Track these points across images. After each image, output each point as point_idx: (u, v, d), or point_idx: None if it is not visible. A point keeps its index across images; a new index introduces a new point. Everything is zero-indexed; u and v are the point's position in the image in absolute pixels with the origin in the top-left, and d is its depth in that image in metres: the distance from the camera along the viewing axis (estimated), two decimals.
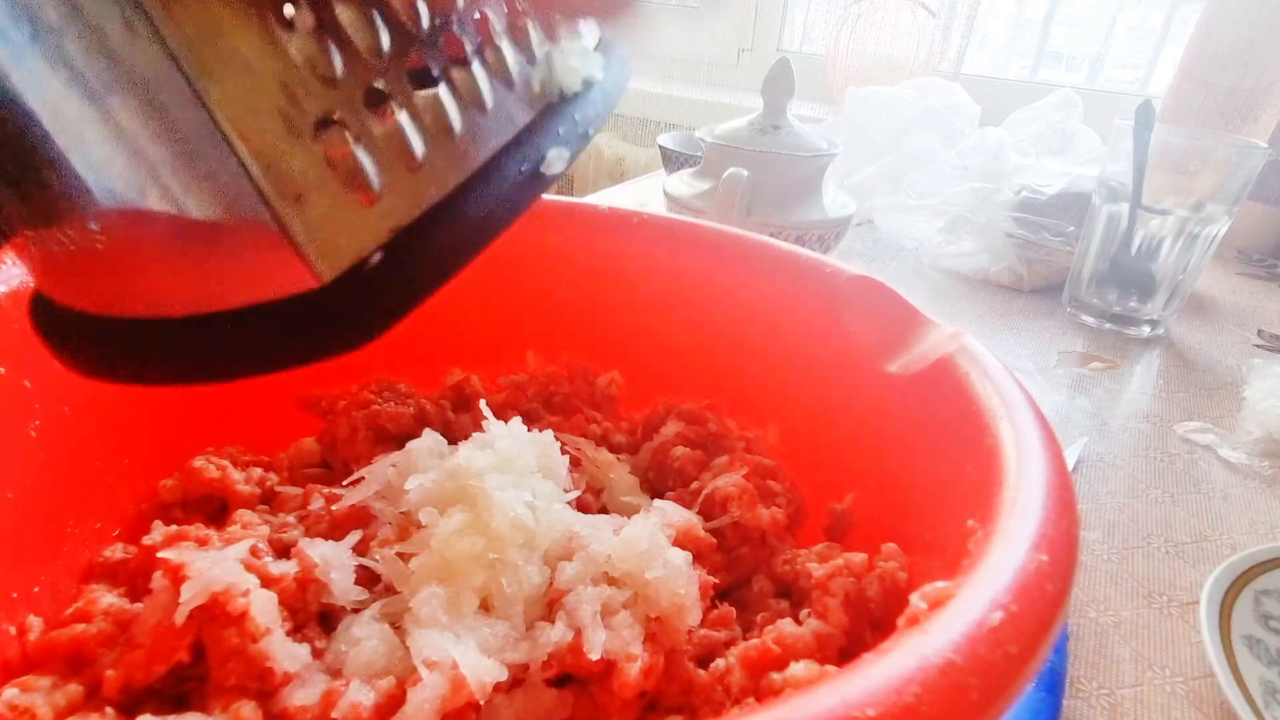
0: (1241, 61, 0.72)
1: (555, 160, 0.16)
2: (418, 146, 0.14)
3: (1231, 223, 0.60)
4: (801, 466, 0.32)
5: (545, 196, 0.38)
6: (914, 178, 0.80)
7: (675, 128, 1.30)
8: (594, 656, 0.21)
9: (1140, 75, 1.24)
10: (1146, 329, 0.64)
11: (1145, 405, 0.54)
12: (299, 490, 0.30)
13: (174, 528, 0.26)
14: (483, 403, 0.30)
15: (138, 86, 0.11)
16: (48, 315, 0.15)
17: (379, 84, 0.14)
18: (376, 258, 0.13)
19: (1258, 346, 0.65)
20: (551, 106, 0.17)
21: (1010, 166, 0.75)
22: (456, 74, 0.15)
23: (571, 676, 0.23)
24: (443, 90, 0.15)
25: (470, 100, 0.15)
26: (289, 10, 0.12)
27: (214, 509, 0.29)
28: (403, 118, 0.14)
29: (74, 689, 0.21)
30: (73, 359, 0.15)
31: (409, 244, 0.14)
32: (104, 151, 0.12)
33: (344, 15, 0.13)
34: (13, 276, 0.24)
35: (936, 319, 0.27)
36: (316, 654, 0.23)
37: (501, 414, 0.29)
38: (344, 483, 0.28)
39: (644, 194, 0.91)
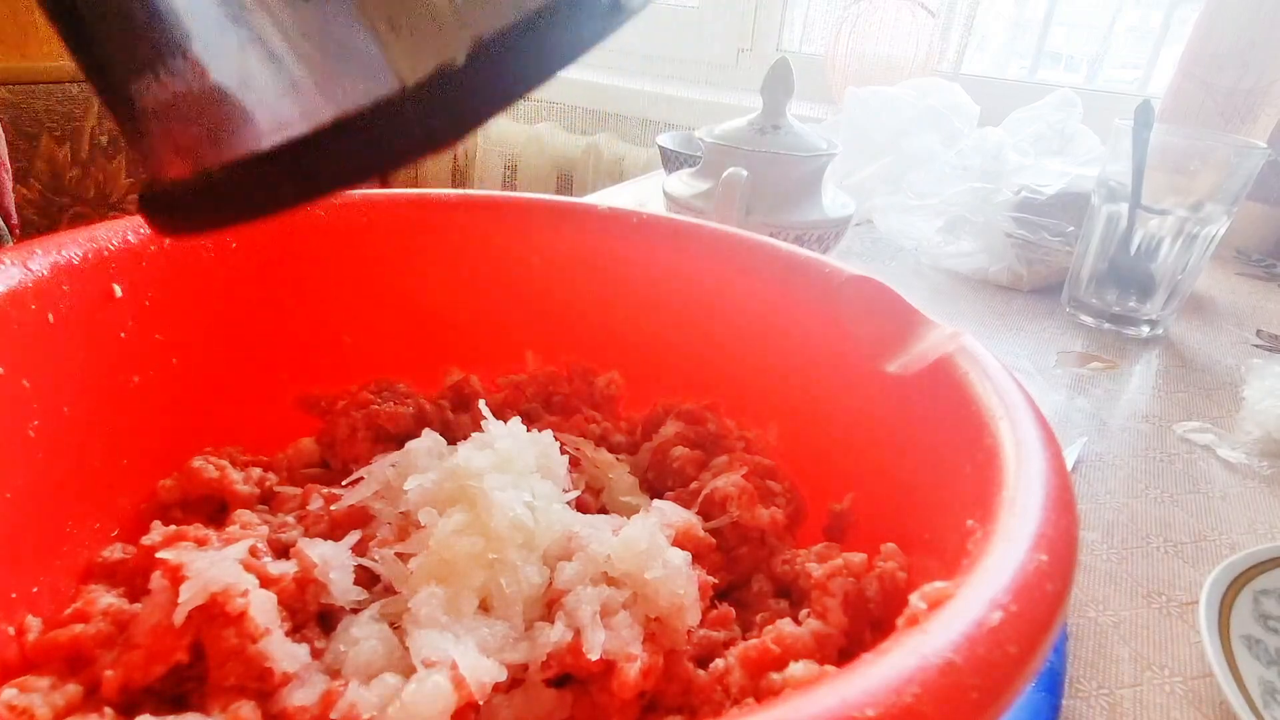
0: (1241, 61, 0.72)
1: None
2: None
3: (1230, 223, 0.60)
4: (801, 466, 0.32)
5: (545, 196, 0.38)
6: (913, 178, 0.80)
7: (675, 128, 1.30)
8: (593, 657, 0.21)
9: (1140, 75, 1.23)
10: (1146, 329, 0.64)
11: (1144, 405, 0.54)
12: (298, 490, 0.30)
13: (173, 528, 0.26)
14: (482, 403, 0.30)
15: None
16: (159, 198, 0.16)
17: None
18: (460, 61, 0.14)
19: (1257, 346, 0.65)
20: None
21: (1010, 166, 0.75)
22: None
23: (571, 676, 0.22)
24: None
25: None
26: None
27: (213, 509, 0.29)
28: None
29: (73, 689, 0.21)
30: (194, 225, 0.16)
31: (491, 54, 0.14)
32: None
33: None
34: (12, 276, 0.24)
35: (936, 319, 0.27)
36: (316, 654, 0.22)
37: (501, 414, 0.29)
38: (343, 483, 0.28)
39: (644, 194, 0.91)
